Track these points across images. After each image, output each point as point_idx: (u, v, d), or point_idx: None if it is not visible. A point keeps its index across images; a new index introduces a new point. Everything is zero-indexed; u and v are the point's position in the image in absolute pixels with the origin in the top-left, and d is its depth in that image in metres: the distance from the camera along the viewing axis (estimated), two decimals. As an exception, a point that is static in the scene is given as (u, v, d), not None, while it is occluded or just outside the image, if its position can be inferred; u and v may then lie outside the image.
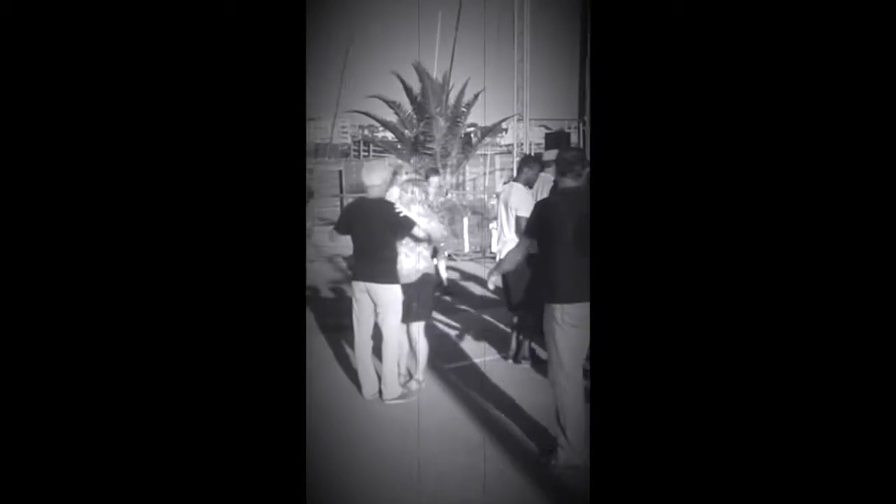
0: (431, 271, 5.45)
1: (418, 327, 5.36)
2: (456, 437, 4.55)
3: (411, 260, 5.22)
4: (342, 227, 5.24)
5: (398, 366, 5.29)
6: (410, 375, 5.46)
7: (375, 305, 5.08)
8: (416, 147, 18.31)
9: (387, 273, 5.00)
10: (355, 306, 5.17)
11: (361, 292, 5.11)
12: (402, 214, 4.96)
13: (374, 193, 5.09)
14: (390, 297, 5.02)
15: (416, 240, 5.16)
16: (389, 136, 21.92)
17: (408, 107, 18.68)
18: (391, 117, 19.20)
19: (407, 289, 5.23)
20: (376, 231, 5.00)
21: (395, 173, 7.23)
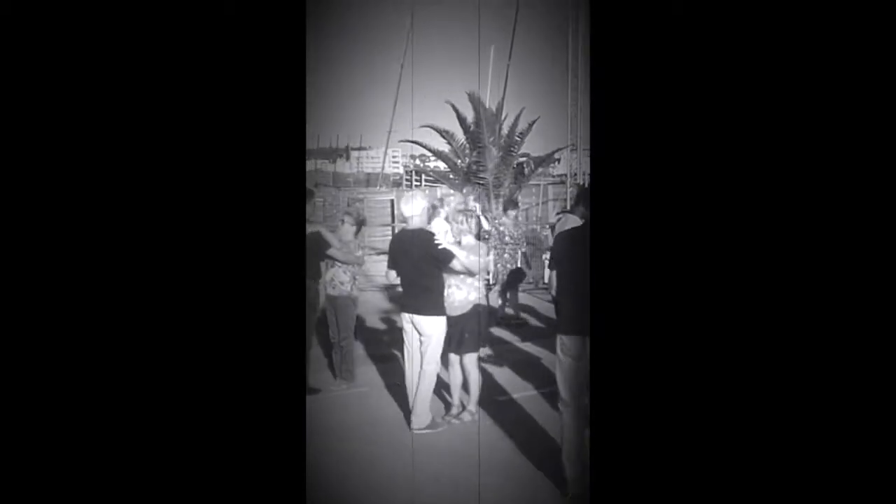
0: (483, 302, 5.33)
1: (470, 359, 5.30)
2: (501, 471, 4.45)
3: (462, 291, 5.24)
4: (391, 262, 5.33)
5: (452, 397, 5.37)
6: (463, 407, 5.38)
7: (420, 336, 5.10)
8: (468, 177, 18.28)
9: (429, 304, 5.01)
10: (405, 338, 5.23)
11: (407, 323, 5.17)
12: (440, 246, 4.88)
13: (414, 224, 5.08)
14: (432, 328, 5.03)
15: (455, 272, 5.13)
16: (442, 165, 21.98)
17: (461, 136, 18.71)
18: (444, 147, 19.25)
19: (458, 320, 5.19)
20: (417, 262, 5.03)
21: (433, 206, 7.29)
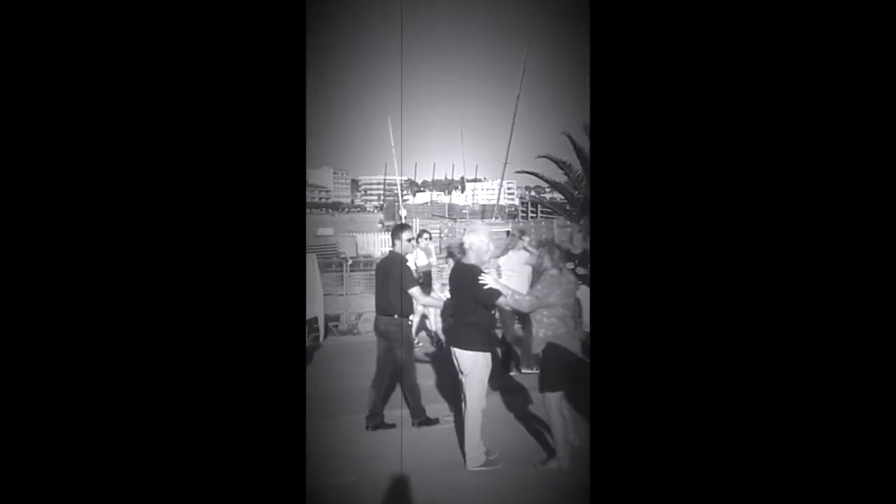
0: (559, 340, 4.89)
1: (549, 399, 4.86)
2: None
3: (534, 327, 4.92)
4: (450, 284, 5.26)
5: (561, 437, 4.81)
6: (554, 452, 4.89)
7: (461, 372, 4.87)
8: (585, 208, 17.98)
9: (472, 338, 4.81)
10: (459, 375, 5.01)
11: (455, 359, 4.92)
12: (486, 286, 4.73)
13: (469, 259, 4.94)
14: (473, 363, 4.80)
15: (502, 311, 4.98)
16: (558, 196, 21.70)
17: (578, 167, 18.47)
18: (560, 178, 19.04)
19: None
20: (463, 296, 4.91)
21: (418, 236, 7.14)
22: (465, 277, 4.91)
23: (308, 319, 9.33)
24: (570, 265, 6.60)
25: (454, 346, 4.89)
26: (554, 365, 4.85)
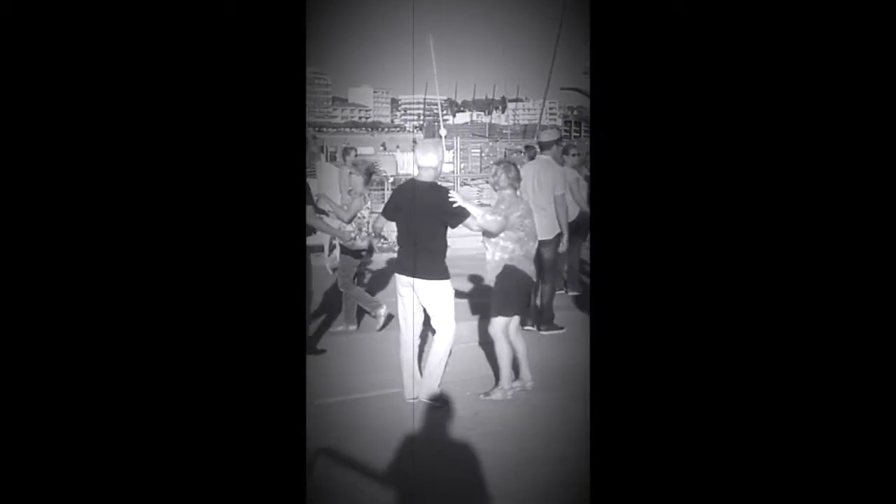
0: (516, 263, 4.63)
1: (499, 324, 4.67)
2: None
3: (489, 251, 4.67)
4: (389, 211, 4.77)
5: (506, 368, 4.66)
6: (516, 375, 4.75)
7: (422, 303, 4.54)
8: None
9: (435, 267, 4.44)
10: (400, 303, 4.61)
11: (405, 287, 4.53)
12: (455, 205, 4.37)
13: (426, 176, 4.51)
14: (436, 293, 4.45)
15: (485, 233, 4.58)
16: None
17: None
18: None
19: (492, 283, 4.68)
20: (424, 219, 4.43)
21: (370, 173, 6.39)
22: (425, 197, 4.42)
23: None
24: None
25: (410, 275, 4.46)
26: (509, 290, 4.61)
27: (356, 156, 8.98)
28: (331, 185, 8.94)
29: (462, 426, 4.20)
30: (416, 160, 4.58)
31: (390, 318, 5.95)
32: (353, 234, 5.80)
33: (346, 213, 5.85)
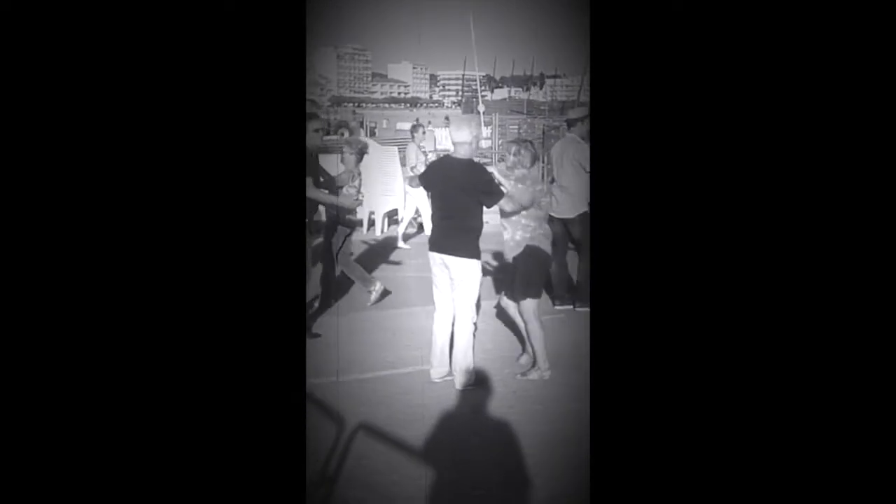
0: (538, 242, 4.55)
1: (530, 306, 4.61)
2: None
3: (508, 231, 4.60)
4: (425, 179, 4.73)
5: (541, 349, 4.60)
6: (534, 362, 4.68)
7: (452, 281, 4.49)
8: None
9: (466, 244, 4.40)
10: (434, 281, 4.58)
11: (437, 265, 4.50)
12: (496, 182, 4.35)
13: (461, 152, 4.45)
14: (467, 271, 4.41)
15: (503, 213, 4.40)
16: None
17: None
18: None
19: (509, 263, 4.64)
20: (459, 196, 4.38)
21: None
22: (461, 174, 4.39)
23: (389, 211, 9.72)
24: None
25: (444, 253, 4.44)
26: (531, 270, 4.55)
27: (350, 135, 8.96)
28: (329, 162, 9.10)
29: (502, 405, 4.17)
30: (451, 136, 4.52)
31: (385, 293, 6.01)
32: (355, 197, 5.80)
33: (338, 181, 5.89)
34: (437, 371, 4.52)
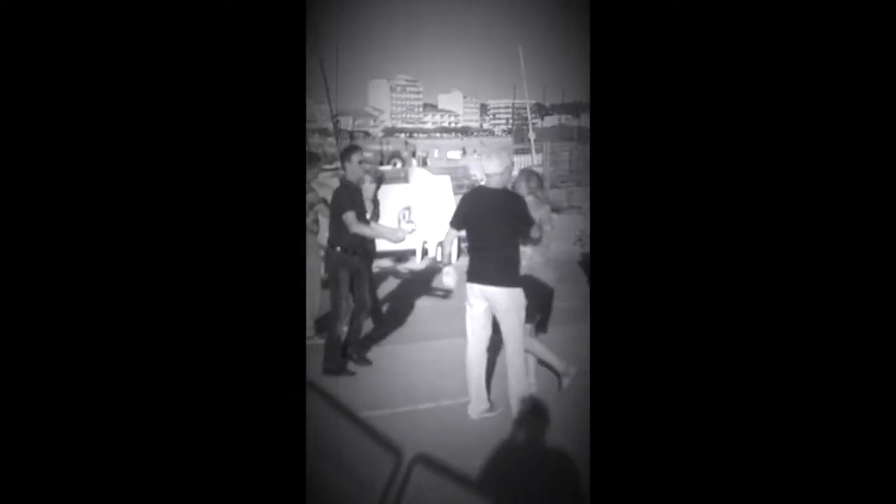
0: (534, 271, 4.62)
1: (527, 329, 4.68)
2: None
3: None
4: (458, 220, 4.56)
5: (555, 359, 4.74)
6: (558, 376, 4.83)
7: (494, 312, 4.40)
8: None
9: (507, 274, 4.33)
10: (470, 313, 4.46)
11: (475, 296, 4.39)
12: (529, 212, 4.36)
13: (494, 183, 4.40)
14: (511, 301, 4.32)
15: (532, 242, 4.47)
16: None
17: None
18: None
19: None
20: (496, 226, 4.31)
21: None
22: (501, 205, 4.32)
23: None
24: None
25: (483, 283, 4.33)
26: (529, 296, 4.51)
27: (403, 165, 8.95)
28: (385, 192, 9.00)
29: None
30: (483, 167, 4.49)
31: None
32: (405, 232, 5.75)
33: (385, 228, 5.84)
34: (476, 408, 4.41)
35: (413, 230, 5.91)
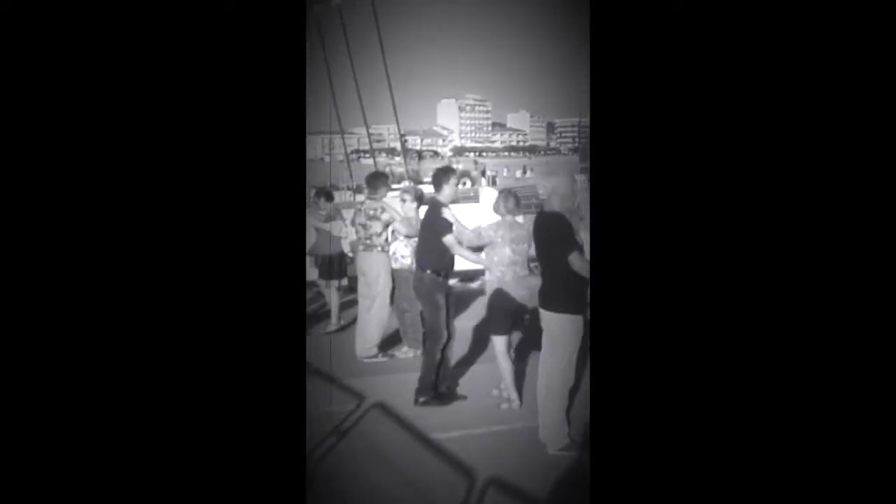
0: (504, 286, 4.87)
1: (501, 342, 4.92)
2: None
3: (487, 273, 5.00)
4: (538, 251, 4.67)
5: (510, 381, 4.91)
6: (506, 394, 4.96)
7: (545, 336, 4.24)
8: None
9: (566, 298, 4.12)
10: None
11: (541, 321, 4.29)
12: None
13: (553, 203, 4.23)
14: (565, 327, 4.10)
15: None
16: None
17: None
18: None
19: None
20: (553, 249, 4.15)
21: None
22: (555, 228, 4.15)
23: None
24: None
25: (541, 307, 4.19)
26: (499, 310, 4.86)
27: (472, 185, 8.90)
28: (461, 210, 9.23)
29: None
30: (543, 187, 4.59)
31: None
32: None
33: (415, 229, 5.87)
34: (554, 443, 4.17)
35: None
